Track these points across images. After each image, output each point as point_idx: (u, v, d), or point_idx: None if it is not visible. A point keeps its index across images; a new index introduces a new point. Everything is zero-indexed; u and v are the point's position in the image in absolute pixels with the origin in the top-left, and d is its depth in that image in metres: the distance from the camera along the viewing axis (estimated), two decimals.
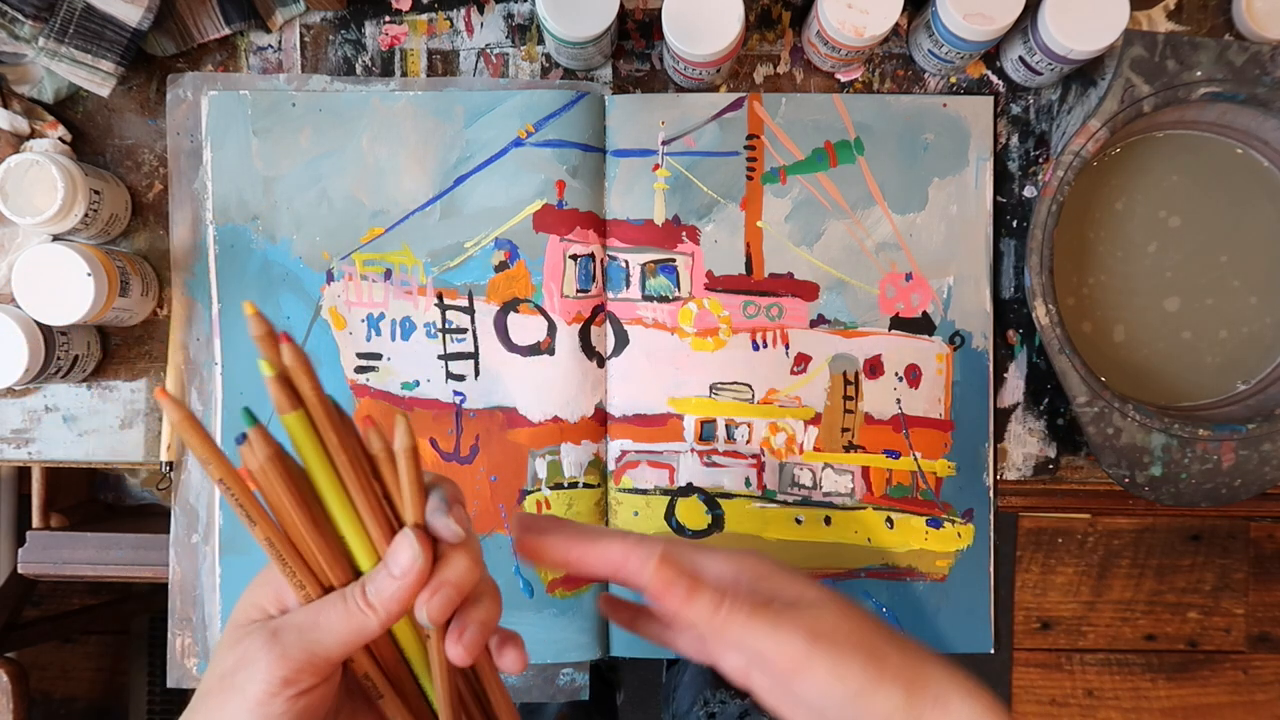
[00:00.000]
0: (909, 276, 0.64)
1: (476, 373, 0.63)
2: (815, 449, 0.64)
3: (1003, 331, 0.65)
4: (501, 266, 0.63)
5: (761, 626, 0.37)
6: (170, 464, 0.63)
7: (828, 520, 0.64)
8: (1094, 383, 0.59)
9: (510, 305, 0.63)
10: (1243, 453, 0.60)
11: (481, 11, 0.64)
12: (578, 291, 0.63)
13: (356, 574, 0.36)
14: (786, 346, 0.64)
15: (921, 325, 0.64)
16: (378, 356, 0.63)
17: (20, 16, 0.56)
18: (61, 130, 0.62)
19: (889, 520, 0.64)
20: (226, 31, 0.63)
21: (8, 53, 0.59)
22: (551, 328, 0.63)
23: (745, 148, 0.64)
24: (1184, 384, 0.65)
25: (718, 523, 0.64)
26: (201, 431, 0.32)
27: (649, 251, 0.64)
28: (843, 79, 0.65)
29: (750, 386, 0.64)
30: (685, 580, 0.38)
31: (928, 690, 0.38)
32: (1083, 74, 0.64)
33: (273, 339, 0.32)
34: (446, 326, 0.63)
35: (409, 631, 0.37)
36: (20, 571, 0.75)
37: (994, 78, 0.65)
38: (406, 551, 0.34)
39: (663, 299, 0.64)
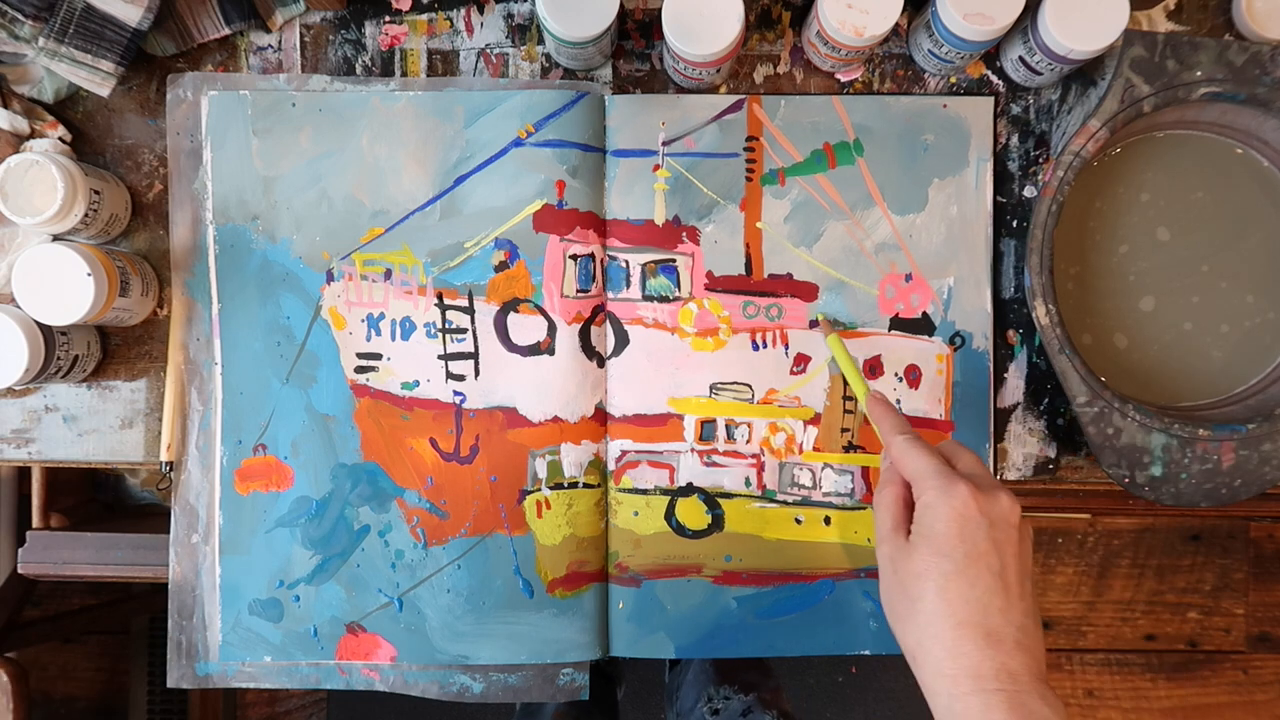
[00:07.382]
0: (909, 277, 0.64)
1: (476, 373, 0.63)
2: (815, 449, 0.64)
3: (1003, 332, 0.65)
4: (501, 266, 0.63)
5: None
6: (170, 464, 0.63)
7: (828, 520, 0.64)
8: (1094, 383, 0.59)
9: (510, 305, 0.63)
10: (1243, 453, 0.60)
11: (481, 11, 0.64)
12: (578, 291, 0.63)
13: None
14: (786, 347, 0.64)
15: (921, 326, 0.64)
16: (378, 356, 0.63)
17: (20, 16, 0.56)
18: (61, 130, 0.62)
19: None
20: (226, 31, 0.63)
21: (8, 53, 0.59)
22: (551, 328, 0.63)
23: (745, 149, 0.64)
24: (1186, 382, 0.65)
25: (718, 522, 0.64)
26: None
27: (649, 252, 0.64)
28: (843, 79, 0.65)
29: (750, 386, 0.64)
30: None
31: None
32: (1083, 74, 0.64)
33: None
34: (446, 326, 0.63)
35: None
36: (20, 571, 0.75)
37: (994, 78, 0.65)
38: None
39: (663, 299, 0.64)
